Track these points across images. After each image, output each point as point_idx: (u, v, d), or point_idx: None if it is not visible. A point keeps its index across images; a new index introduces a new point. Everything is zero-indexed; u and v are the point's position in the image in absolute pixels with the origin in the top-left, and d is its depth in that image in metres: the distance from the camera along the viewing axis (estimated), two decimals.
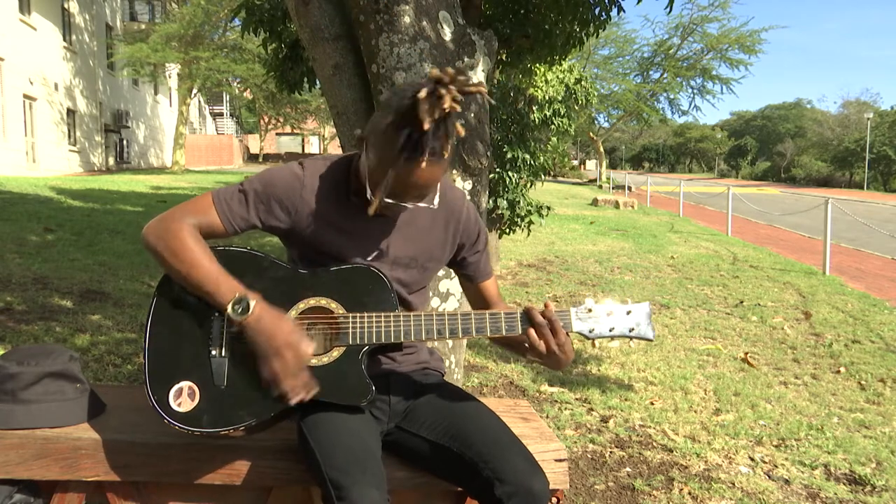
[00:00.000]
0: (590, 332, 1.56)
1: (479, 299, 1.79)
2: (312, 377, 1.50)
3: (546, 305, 1.55)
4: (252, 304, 1.47)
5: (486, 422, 1.58)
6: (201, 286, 1.50)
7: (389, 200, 1.45)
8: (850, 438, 3.36)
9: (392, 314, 1.55)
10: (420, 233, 1.66)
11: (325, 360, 1.53)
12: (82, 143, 23.38)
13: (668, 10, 4.45)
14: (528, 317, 1.54)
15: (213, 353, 1.52)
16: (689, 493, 2.73)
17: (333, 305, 1.55)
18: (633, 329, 1.57)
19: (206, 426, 1.49)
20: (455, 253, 1.72)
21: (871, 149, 45.65)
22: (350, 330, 1.54)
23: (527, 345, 1.56)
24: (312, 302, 1.55)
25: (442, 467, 1.58)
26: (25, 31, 18.91)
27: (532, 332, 1.53)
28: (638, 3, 4.46)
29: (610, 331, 1.57)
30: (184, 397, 1.50)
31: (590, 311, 1.57)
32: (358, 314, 1.54)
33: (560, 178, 42.12)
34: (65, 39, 21.79)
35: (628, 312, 1.57)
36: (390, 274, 1.62)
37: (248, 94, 33.68)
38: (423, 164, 1.38)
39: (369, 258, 1.61)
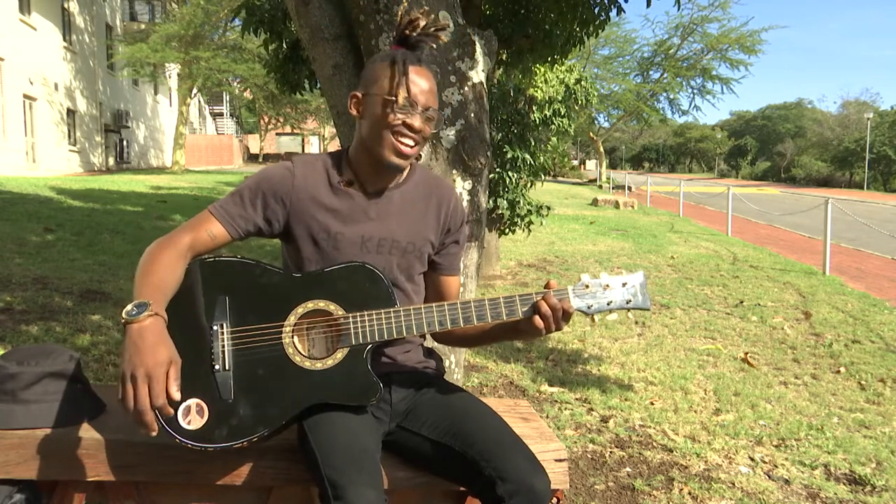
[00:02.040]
0: (588, 308, 1.56)
1: (436, 296, 1.76)
2: (308, 385, 1.49)
3: (549, 285, 1.56)
4: (148, 310, 1.36)
5: (488, 421, 1.58)
6: (134, 290, 1.43)
7: (409, 105, 1.54)
8: (850, 438, 3.36)
9: (392, 310, 1.55)
10: (415, 217, 1.67)
11: (330, 362, 1.52)
12: (82, 143, 23.38)
13: (678, 6, 4.47)
14: (536, 307, 1.54)
15: (217, 367, 1.49)
16: (689, 493, 2.73)
17: (332, 307, 1.55)
18: (629, 301, 1.58)
19: (219, 441, 1.46)
20: (441, 238, 1.72)
21: (871, 149, 45.66)
22: (352, 330, 1.53)
23: (521, 327, 1.57)
24: (310, 305, 1.54)
25: (443, 466, 1.58)
26: (25, 31, 18.91)
27: (538, 319, 1.53)
28: (648, 5, 4.47)
29: (608, 304, 1.57)
30: (192, 415, 1.46)
31: (587, 287, 1.57)
32: (358, 314, 1.54)
33: (560, 178, 42.14)
34: (65, 39, 21.78)
35: (624, 284, 1.58)
36: (389, 260, 1.63)
37: (248, 94, 33.70)
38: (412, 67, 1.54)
39: (369, 244, 1.62)
